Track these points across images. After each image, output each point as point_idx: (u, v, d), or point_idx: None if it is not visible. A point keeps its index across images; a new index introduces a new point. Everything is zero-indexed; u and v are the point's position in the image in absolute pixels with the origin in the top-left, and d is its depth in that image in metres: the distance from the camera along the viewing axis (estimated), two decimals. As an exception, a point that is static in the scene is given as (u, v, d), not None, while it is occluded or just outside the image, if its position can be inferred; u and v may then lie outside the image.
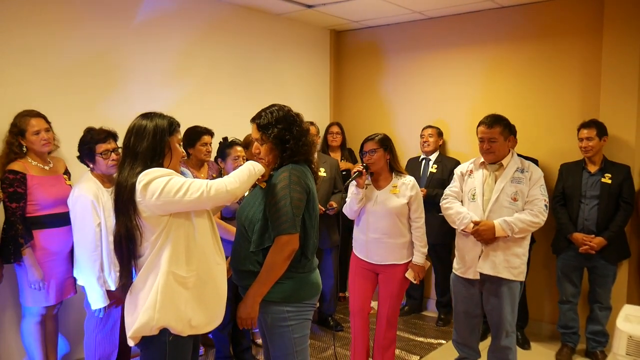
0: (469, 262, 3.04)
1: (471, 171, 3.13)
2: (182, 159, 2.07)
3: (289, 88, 4.95)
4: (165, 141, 1.95)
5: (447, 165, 4.36)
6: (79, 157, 2.97)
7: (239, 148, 3.38)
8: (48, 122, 2.98)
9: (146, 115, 1.99)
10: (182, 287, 1.89)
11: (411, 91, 4.94)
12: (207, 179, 3.74)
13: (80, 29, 3.43)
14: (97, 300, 2.83)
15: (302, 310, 2.14)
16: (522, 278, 2.99)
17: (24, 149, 2.91)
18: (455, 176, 3.21)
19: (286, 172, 2.10)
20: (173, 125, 2.00)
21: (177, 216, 1.89)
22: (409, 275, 3.17)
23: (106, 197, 2.90)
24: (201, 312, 1.94)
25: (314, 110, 5.14)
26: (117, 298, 2.86)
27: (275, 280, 2.05)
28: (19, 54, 3.14)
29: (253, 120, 2.20)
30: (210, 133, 3.72)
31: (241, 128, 4.36)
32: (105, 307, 2.86)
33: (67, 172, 3.15)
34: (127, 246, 1.90)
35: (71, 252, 2.97)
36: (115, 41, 3.62)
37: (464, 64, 4.60)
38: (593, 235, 3.55)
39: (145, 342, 1.89)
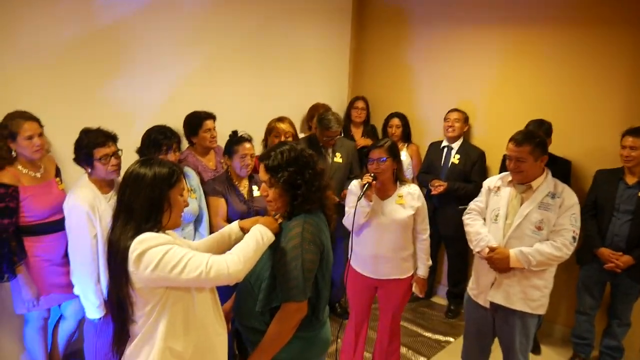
0: (482, 287, 2.87)
1: (498, 187, 2.87)
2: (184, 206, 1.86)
3: (304, 60, 4.60)
4: (165, 195, 1.74)
5: (471, 157, 4.09)
6: (75, 160, 2.78)
7: (248, 145, 3.16)
8: (41, 126, 2.77)
9: (145, 163, 1.77)
10: None
11: (438, 68, 4.54)
12: (215, 167, 3.62)
13: (75, 2, 3.09)
14: (93, 312, 2.75)
15: None
16: (541, 312, 2.78)
17: (13, 153, 2.72)
18: (482, 190, 2.97)
19: (299, 227, 1.90)
20: (175, 174, 1.77)
21: (174, 289, 1.72)
22: (415, 289, 3.06)
23: (104, 205, 2.75)
24: None
25: (331, 83, 4.82)
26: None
27: (280, 348, 1.91)
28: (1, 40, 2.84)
29: (261, 159, 1.98)
30: (211, 117, 3.51)
31: (254, 109, 4.14)
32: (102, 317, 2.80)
33: (58, 173, 2.98)
34: (119, 313, 1.75)
35: (67, 255, 2.88)
36: (115, 17, 3.29)
37: (496, 44, 4.18)
38: (621, 253, 3.32)
39: None
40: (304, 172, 1.93)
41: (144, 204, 1.71)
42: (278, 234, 1.93)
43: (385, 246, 2.95)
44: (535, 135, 2.72)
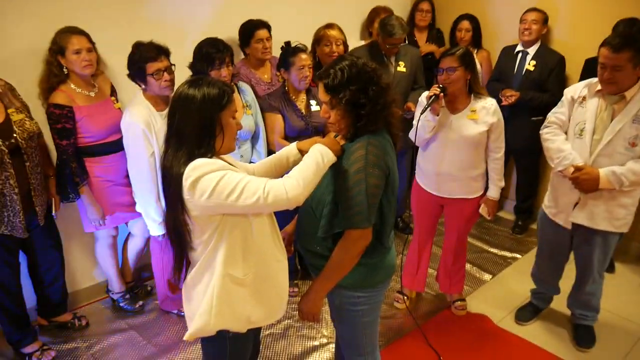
0: (562, 207, 2.67)
1: (584, 98, 2.56)
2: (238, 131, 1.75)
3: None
4: (216, 118, 1.62)
5: (548, 63, 3.68)
6: (129, 76, 2.69)
7: (304, 56, 2.95)
8: (91, 42, 2.66)
9: (194, 83, 1.64)
10: (240, 286, 1.73)
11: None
12: (270, 79, 3.45)
13: None
14: (156, 229, 2.78)
15: (375, 294, 1.94)
16: (625, 230, 2.60)
17: (65, 70, 2.64)
18: (564, 99, 2.65)
19: (362, 149, 1.74)
20: (225, 95, 1.64)
21: (231, 215, 1.64)
22: (483, 211, 2.88)
23: (160, 122, 2.67)
24: (260, 308, 1.79)
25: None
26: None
27: (343, 276, 1.83)
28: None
29: (319, 77, 1.78)
30: (264, 26, 3.29)
31: (309, 16, 3.82)
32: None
33: (114, 92, 2.90)
34: (177, 240, 1.71)
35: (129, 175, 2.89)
36: None
37: None
38: None
39: (204, 339, 1.81)
40: (368, 90, 1.73)
41: (194, 128, 1.60)
42: (340, 156, 1.79)
43: (451, 163, 2.76)
44: (636, 39, 2.35)
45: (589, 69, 3.35)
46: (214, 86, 1.63)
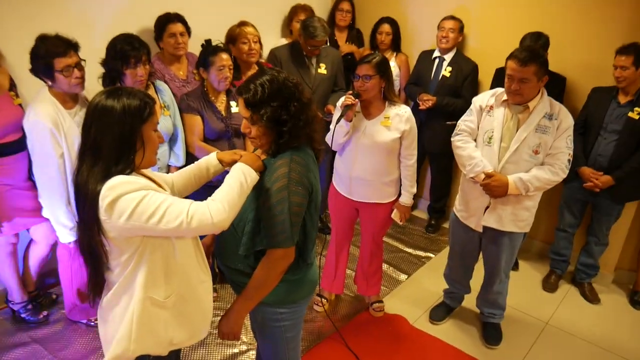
0: (473, 211, 2.81)
1: (491, 107, 2.70)
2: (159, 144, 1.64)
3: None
4: (137, 132, 1.51)
5: (463, 70, 3.84)
6: (32, 71, 2.47)
7: (225, 56, 2.86)
8: None
9: (112, 93, 1.51)
10: (161, 309, 1.63)
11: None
12: (185, 75, 3.31)
13: None
14: (66, 235, 2.60)
15: (297, 309, 1.93)
16: (527, 230, 2.79)
17: None
18: (472, 108, 2.78)
19: (285, 167, 1.70)
20: (147, 107, 1.53)
21: (152, 237, 1.55)
22: (395, 216, 2.95)
23: (68, 121, 2.50)
24: (183, 330, 1.71)
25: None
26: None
27: (265, 295, 1.79)
28: None
29: (239, 92, 1.73)
30: (179, 19, 3.15)
31: (228, 13, 3.70)
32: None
33: (13, 87, 2.66)
34: (92, 261, 1.58)
35: (31, 177, 2.67)
36: None
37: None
38: (602, 173, 3.26)
39: None
40: (289, 106, 1.70)
41: (112, 142, 1.48)
42: (262, 171, 1.75)
43: (365, 168, 2.80)
44: (540, 54, 2.52)
45: (499, 78, 3.53)
46: (135, 97, 1.52)
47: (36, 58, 2.40)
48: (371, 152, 2.76)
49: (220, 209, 1.52)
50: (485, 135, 2.70)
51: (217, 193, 1.58)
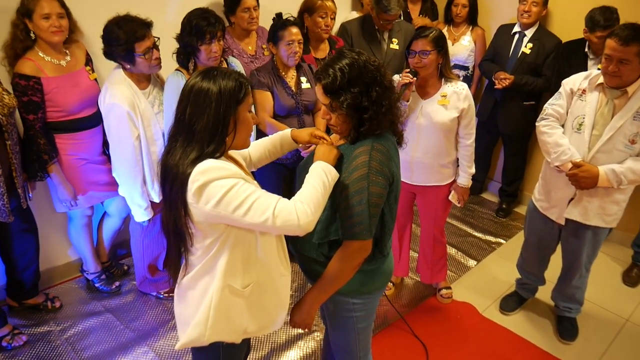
0: (555, 202, 2.62)
1: (584, 90, 2.47)
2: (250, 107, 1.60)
3: None
4: (232, 113, 1.48)
5: (545, 46, 3.56)
6: (108, 55, 2.45)
7: (294, 30, 2.77)
8: (64, 7, 2.42)
9: (207, 75, 1.48)
10: (239, 297, 1.62)
11: None
12: (254, 51, 3.24)
13: None
14: (140, 214, 2.64)
15: (371, 300, 1.86)
16: (614, 225, 2.58)
17: (32, 34, 2.40)
18: (562, 91, 2.55)
19: (365, 155, 1.61)
20: (243, 87, 1.49)
21: (236, 228, 1.52)
22: (453, 198, 2.82)
23: (143, 102, 2.50)
24: (258, 320, 1.69)
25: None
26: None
27: (340, 286, 1.73)
28: None
29: (317, 77, 1.64)
30: None
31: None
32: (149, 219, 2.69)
33: (89, 61, 2.67)
34: (175, 241, 1.58)
35: (105, 152, 2.71)
36: None
37: None
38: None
39: (197, 347, 1.69)
40: (371, 92, 1.60)
41: (207, 124, 1.45)
42: (340, 158, 1.67)
43: (422, 150, 2.66)
44: (645, 30, 2.26)
45: (567, 54, 3.30)
46: (230, 78, 1.49)
47: (114, 44, 2.38)
48: (429, 134, 2.63)
49: (308, 211, 1.47)
50: (575, 121, 2.48)
51: (300, 194, 1.52)
